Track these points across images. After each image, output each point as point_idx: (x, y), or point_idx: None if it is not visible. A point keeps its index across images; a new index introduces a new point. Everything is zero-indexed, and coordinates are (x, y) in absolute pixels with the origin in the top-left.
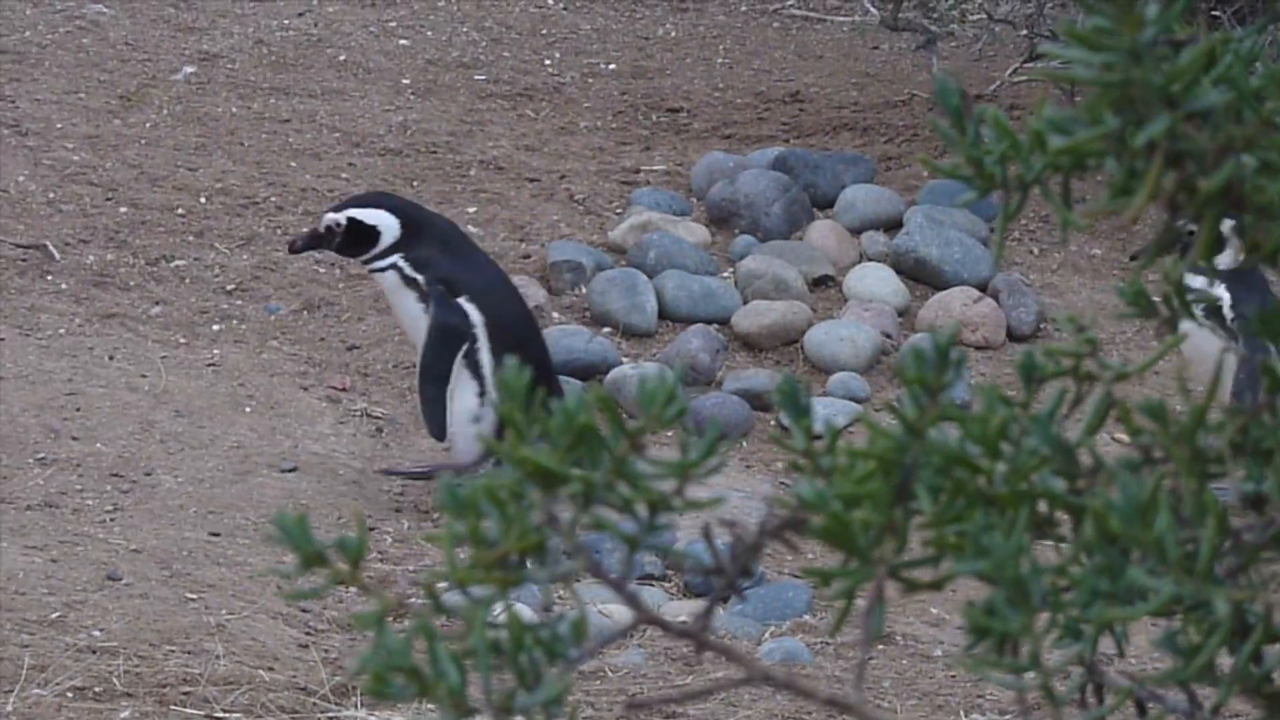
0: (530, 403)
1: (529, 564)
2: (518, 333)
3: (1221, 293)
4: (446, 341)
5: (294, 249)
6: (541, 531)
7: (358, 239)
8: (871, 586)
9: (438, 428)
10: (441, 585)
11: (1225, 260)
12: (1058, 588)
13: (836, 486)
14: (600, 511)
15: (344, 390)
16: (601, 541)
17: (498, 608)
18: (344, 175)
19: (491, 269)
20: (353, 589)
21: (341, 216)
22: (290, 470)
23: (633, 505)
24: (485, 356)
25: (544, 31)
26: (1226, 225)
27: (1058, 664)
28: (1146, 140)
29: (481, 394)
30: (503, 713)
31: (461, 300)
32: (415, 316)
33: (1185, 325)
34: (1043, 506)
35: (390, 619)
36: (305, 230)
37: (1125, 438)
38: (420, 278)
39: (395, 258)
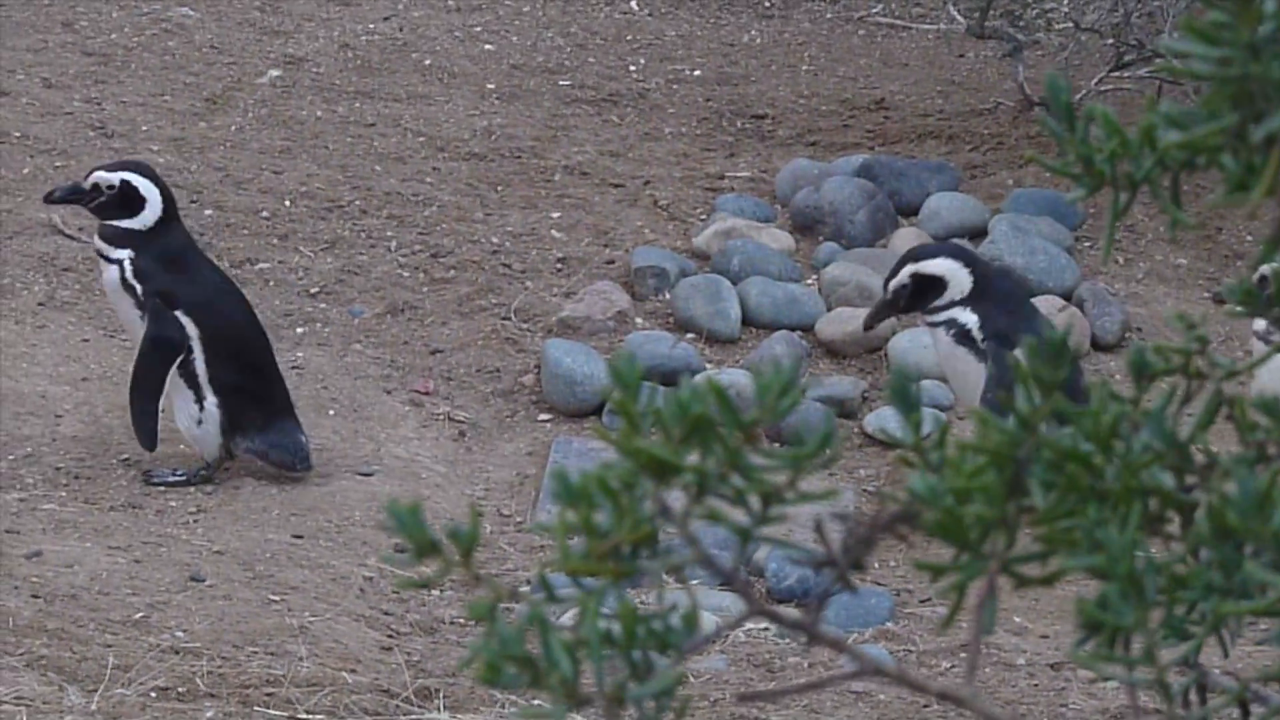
0: (643, 393)
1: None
2: (238, 342)
3: None
4: (160, 355)
5: (49, 199)
6: (654, 522)
7: (121, 204)
8: (984, 581)
9: (148, 438)
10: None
11: None
12: (1172, 583)
13: (949, 481)
14: (713, 502)
15: (427, 394)
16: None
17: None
18: (428, 180)
19: (214, 279)
20: (436, 592)
21: (115, 178)
22: (372, 474)
23: (746, 497)
24: (201, 368)
25: (629, 37)
26: None
27: (1169, 661)
28: (1265, 135)
29: (199, 401)
30: (615, 703)
31: (178, 313)
32: (132, 321)
33: None
34: (1152, 503)
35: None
36: (69, 183)
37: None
38: (139, 287)
39: (127, 252)
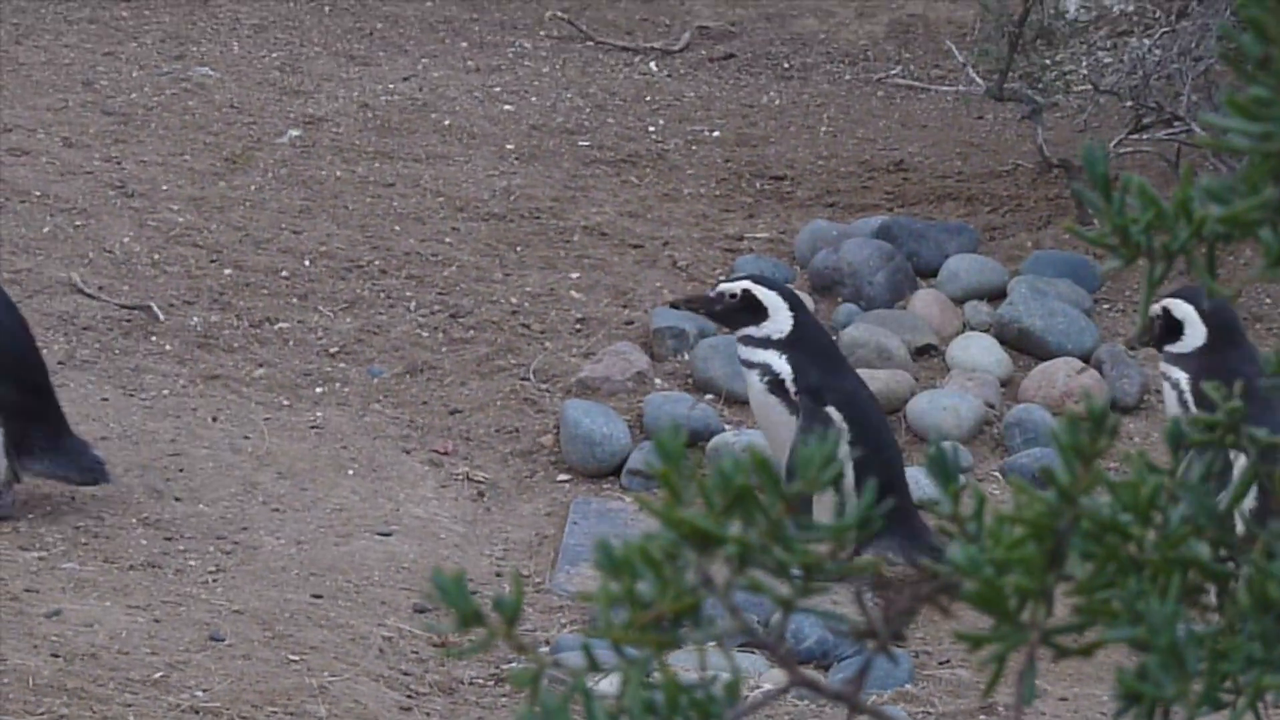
0: (687, 464)
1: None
2: (15, 363)
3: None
4: None
5: None
6: (697, 593)
7: None
8: (1024, 651)
9: None
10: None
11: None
12: (1214, 654)
13: (990, 551)
14: (755, 573)
15: (446, 454)
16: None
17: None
18: (448, 240)
19: None
20: (452, 657)
21: None
22: (390, 534)
23: (788, 568)
24: None
25: (648, 98)
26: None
27: None
28: None
29: None
30: None
31: None
32: None
33: None
34: (1190, 575)
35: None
36: None
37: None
38: None
39: None
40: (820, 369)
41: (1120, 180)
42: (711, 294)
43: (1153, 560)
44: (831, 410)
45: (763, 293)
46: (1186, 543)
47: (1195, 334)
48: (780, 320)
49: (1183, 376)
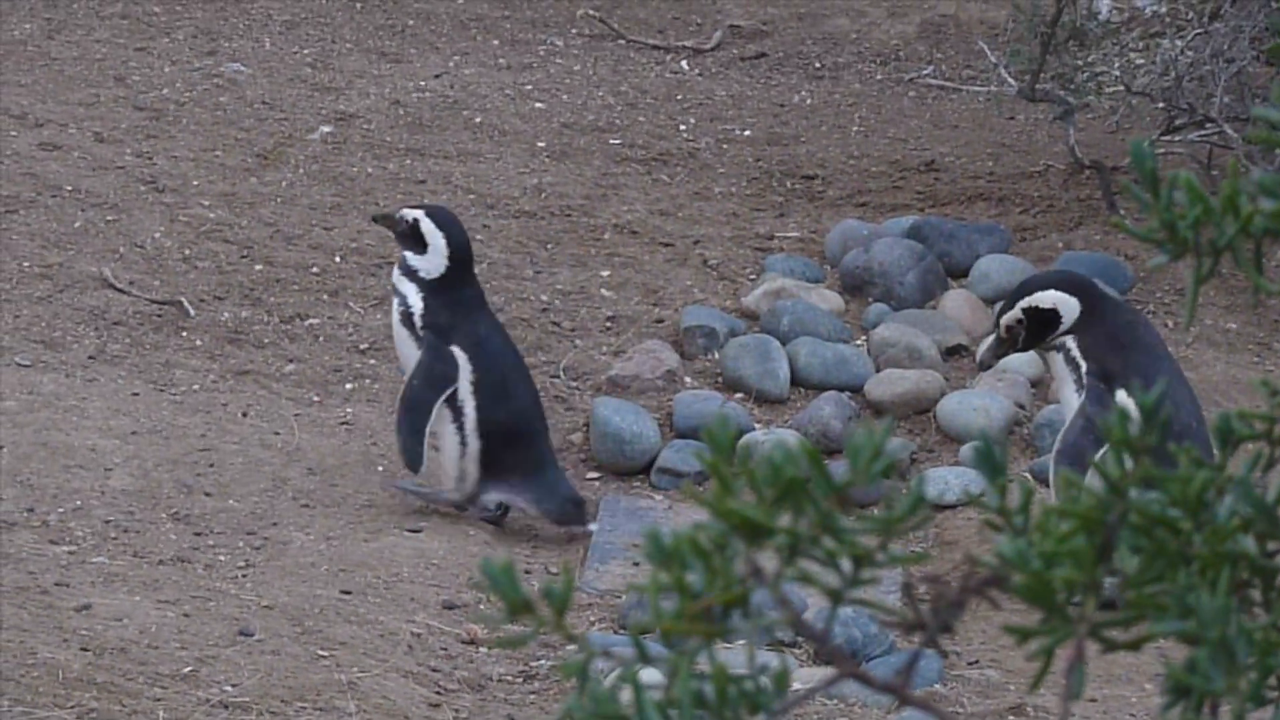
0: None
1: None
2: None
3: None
4: None
5: None
6: (746, 584)
7: None
8: (1071, 645)
9: None
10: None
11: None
12: (1261, 649)
13: (1039, 544)
14: (804, 564)
15: None
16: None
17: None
18: (478, 237)
19: None
20: (483, 649)
21: None
22: (420, 530)
23: (837, 559)
24: None
25: (679, 97)
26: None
27: None
28: None
29: None
30: None
31: None
32: None
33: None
34: (1238, 569)
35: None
36: None
37: None
38: None
39: None
40: (454, 313)
41: (1168, 176)
42: (397, 215)
43: (1201, 554)
44: (456, 350)
45: (430, 229)
46: (1234, 537)
47: (1070, 311)
48: (435, 261)
49: (1067, 339)
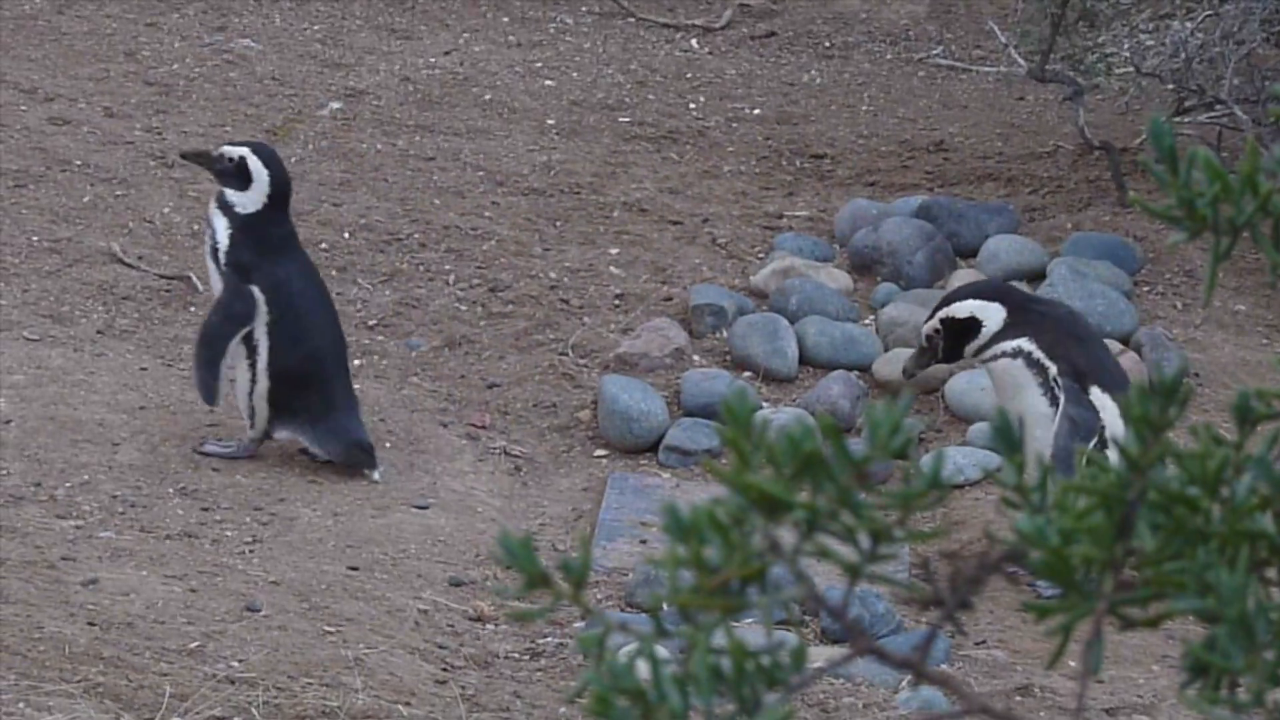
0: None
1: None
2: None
3: None
4: None
5: None
6: (764, 558)
7: None
8: (1090, 621)
9: None
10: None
11: None
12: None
13: (1058, 521)
14: (822, 539)
15: (483, 428)
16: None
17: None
18: (487, 214)
19: None
20: (490, 626)
21: None
22: (427, 507)
23: (855, 534)
24: None
25: (689, 75)
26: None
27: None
28: None
29: None
30: None
31: None
32: None
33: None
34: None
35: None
36: None
37: None
38: None
39: None
40: (259, 252)
41: (1186, 153)
42: (215, 153)
43: (1220, 532)
44: (255, 290)
45: (256, 167)
46: (1253, 515)
47: (994, 319)
48: (254, 197)
49: (1021, 340)
